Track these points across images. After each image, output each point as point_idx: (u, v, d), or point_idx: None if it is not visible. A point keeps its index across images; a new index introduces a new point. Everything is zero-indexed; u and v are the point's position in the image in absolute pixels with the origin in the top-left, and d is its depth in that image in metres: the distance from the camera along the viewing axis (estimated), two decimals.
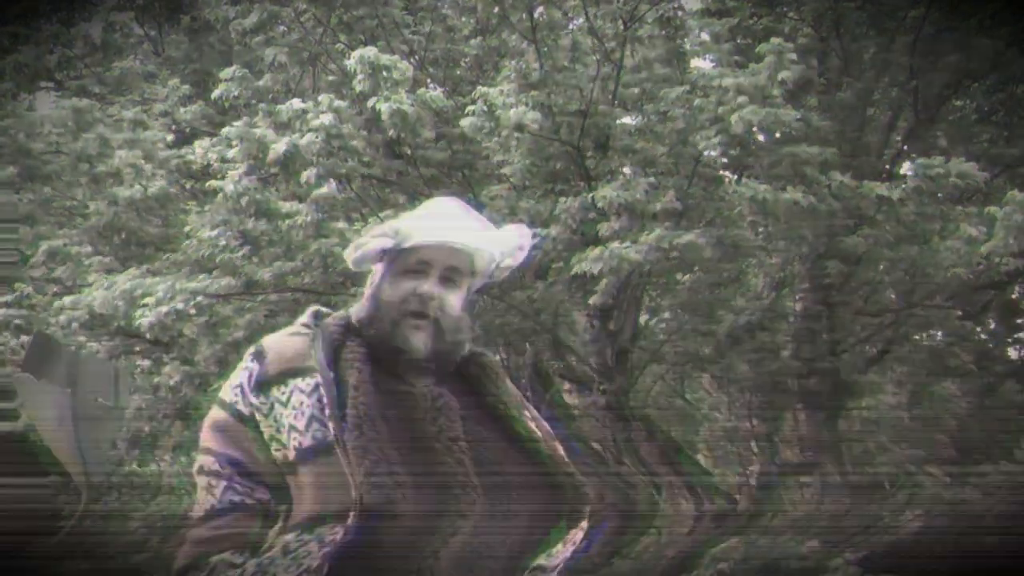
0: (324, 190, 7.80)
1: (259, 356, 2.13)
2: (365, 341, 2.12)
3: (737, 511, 10.32)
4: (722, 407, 12.03)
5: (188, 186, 9.98)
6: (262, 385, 2.10)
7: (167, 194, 8.76)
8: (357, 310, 2.19)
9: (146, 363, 9.95)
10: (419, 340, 2.10)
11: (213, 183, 8.18)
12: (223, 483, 2.07)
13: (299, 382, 2.08)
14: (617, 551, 10.16)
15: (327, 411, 2.03)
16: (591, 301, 7.69)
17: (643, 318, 11.18)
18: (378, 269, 2.21)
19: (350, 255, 2.20)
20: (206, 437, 2.13)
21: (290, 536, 2.00)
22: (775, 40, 7.39)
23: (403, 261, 2.16)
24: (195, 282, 7.76)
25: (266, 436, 2.08)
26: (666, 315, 11.26)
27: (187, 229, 8.63)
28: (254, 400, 2.10)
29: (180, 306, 7.60)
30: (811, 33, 9.67)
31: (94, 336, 9.28)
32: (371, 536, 1.95)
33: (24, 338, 8.37)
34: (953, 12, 9.30)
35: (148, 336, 8.07)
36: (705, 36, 9.52)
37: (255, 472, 2.09)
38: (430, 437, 2.03)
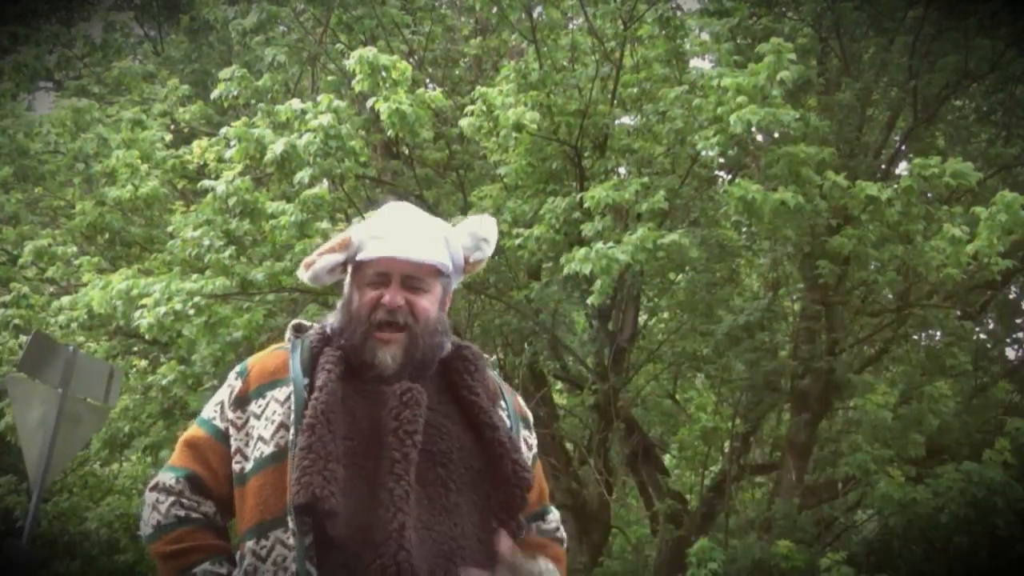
0: (315, 190, 7.80)
1: (242, 374, 2.20)
2: (340, 348, 2.16)
3: (688, 510, 10.33)
4: (708, 407, 12.04)
5: (180, 186, 10.00)
6: (241, 401, 2.16)
7: (156, 194, 8.75)
8: (333, 320, 2.24)
9: (143, 363, 9.97)
10: (387, 355, 2.13)
11: (205, 183, 8.18)
12: (171, 499, 2.12)
13: (275, 392, 2.13)
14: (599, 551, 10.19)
15: (292, 416, 2.06)
16: (589, 301, 7.67)
17: (642, 318, 11.20)
18: (347, 279, 2.25)
19: (303, 273, 2.26)
20: (175, 454, 2.21)
21: (251, 543, 2.03)
22: (774, 40, 7.35)
23: (362, 273, 2.20)
24: (191, 282, 7.76)
25: (233, 449, 2.13)
26: (665, 315, 11.27)
27: (170, 229, 8.64)
28: (231, 415, 2.16)
29: (178, 306, 7.60)
30: (810, 33, 9.66)
31: (93, 336, 9.30)
32: (324, 533, 1.97)
33: (23, 338, 8.37)
34: (952, 12, 9.28)
35: (147, 336, 8.06)
36: (704, 36, 9.52)
37: (208, 488, 2.13)
38: (388, 431, 2.04)
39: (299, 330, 2.25)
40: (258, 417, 2.11)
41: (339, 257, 2.20)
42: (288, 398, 2.09)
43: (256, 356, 2.26)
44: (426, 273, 2.18)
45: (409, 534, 1.94)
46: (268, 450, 2.06)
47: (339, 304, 2.24)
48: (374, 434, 2.05)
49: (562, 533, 2.35)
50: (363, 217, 8.28)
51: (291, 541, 1.97)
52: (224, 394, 2.19)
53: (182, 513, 2.10)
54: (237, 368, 2.23)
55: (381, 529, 1.94)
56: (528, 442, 2.29)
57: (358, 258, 2.19)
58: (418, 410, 2.06)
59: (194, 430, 2.20)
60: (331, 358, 2.12)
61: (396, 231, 2.18)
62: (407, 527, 1.94)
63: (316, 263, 2.21)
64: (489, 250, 2.30)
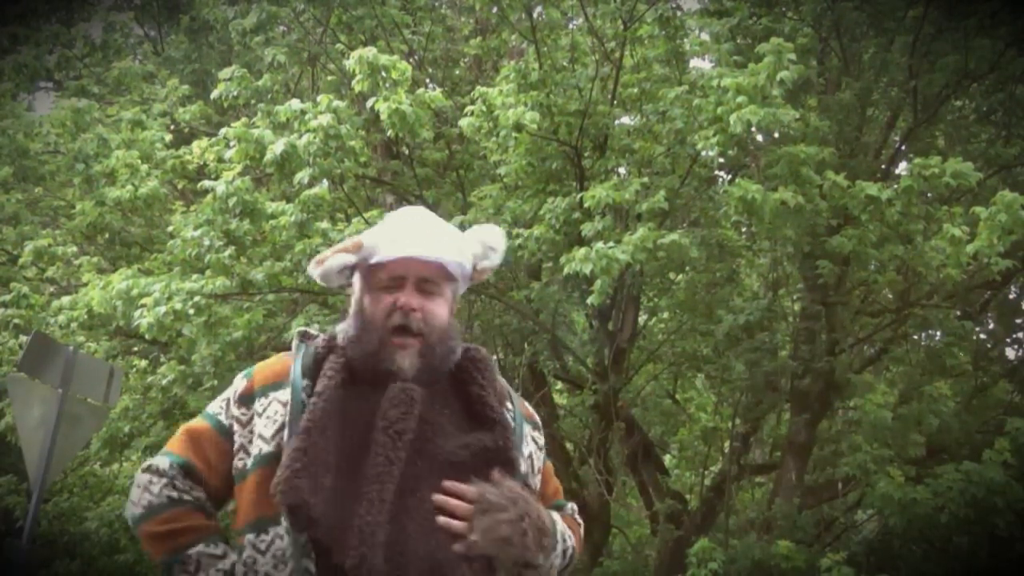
0: (315, 190, 7.81)
1: (248, 375, 2.24)
2: (347, 355, 2.16)
3: (688, 510, 10.33)
4: (708, 407, 12.04)
5: (180, 186, 10.00)
6: (246, 398, 2.19)
7: (156, 194, 8.76)
8: (344, 328, 2.24)
9: (144, 363, 9.98)
10: (405, 360, 2.14)
11: (205, 183, 8.19)
12: (163, 480, 2.14)
13: (279, 393, 2.15)
14: (599, 551, 10.19)
15: (288, 416, 2.09)
16: (589, 301, 7.67)
17: (642, 318, 11.20)
18: (356, 285, 2.25)
19: (313, 270, 2.26)
20: (174, 441, 2.23)
21: (251, 536, 2.05)
22: (774, 40, 7.34)
23: (375, 277, 2.20)
24: (191, 282, 7.76)
25: (236, 446, 2.16)
26: (665, 315, 11.27)
27: (170, 229, 8.65)
28: (236, 411, 2.19)
29: (178, 306, 7.60)
30: (810, 33, 9.65)
31: (93, 336, 9.30)
32: (310, 533, 1.98)
33: (23, 338, 8.37)
34: (952, 12, 9.28)
35: (147, 336, 8.06)
36: (704, 36, 9.52)
37: (201, 478, 2.15)
38: (377, 431, 2.04)
39: (305, 337, 2.28)
40: (260, 415, 2.14)
41: (351, 258, 2.21)
42: (288, 400, 2.13)
43: (263, 362, 2.30)
44: (440, 276, 2.20)
45: (379, 536, 1.94)
46: (268, 448, 2.09)
47: (350, 311, 2.24)
48: (366, 437, 2.06)
49: (578, 517, 2.41)
50: (363, 217, 8.28)
51: (287, 539, 1.99)
52: (230, 392, 2.23)
53: (174, 495, 2.11)
54: (244, 372, 2.28)
55: (354, 530, 1.95)
56: (537, 442, 2.32)
57: (372, 261, 2.19)
58: (408, 409, 2.06)
59: (197, 421, 2.24)
60: (334, 364, 2.13)
61: (412, 232, 2.20)
62: (378, 530, 1.94)
63: (327, 261, 2.22)
64: (497, 259, 2.32)
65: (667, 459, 12.44)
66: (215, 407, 2.23)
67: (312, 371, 2.15)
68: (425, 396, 2.11)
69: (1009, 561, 9.14)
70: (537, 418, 2.40)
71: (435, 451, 2.08)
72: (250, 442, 2.13)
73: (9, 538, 8.12)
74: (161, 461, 2.17)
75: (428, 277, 2.18)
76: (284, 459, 1.99)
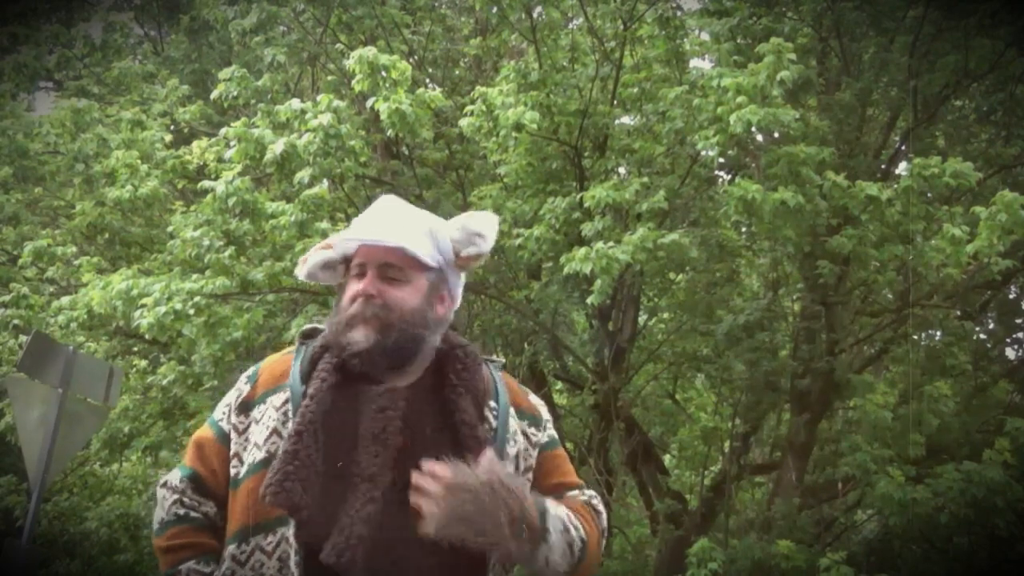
0: (315, 190, 7.81)
1: (251, 379, 2.23)
2: (334, 351, 2.16)
3: (688, 510, 10.32)
4: (708, 407, 12.03)
5: (180, 186, 10.01)
6: (246, 406, 2.19)
7: (156, 194, 8.77)
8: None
9: (143, 363, 9.98)
10: (359, 333, 2.10)
11: (205, 183, 8.19)
12: (174, 496, 2.18)
13: (274, 398, 2.15)
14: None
15: (288, 424, 2.08)
16: (589, 301, 7.68)
17: (642, 318, 11.20)
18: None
19: (299, 270, 2.28)
20: (186, 453, 2.26)
21: (232, 547, 2.07)
22: (774, 40, 7.35)
23: (350, 269, 2.21)
24: (191, 282, 7.76)
25: (231, 453, 2.16)
26: (665, 315, 11.27)
27: (170, 229, 8.66)
28: (235, 419, 2.19)
29: (178, 306, 7.61)
30: (810, 33, 9.66)
31: (93, 336, 9.30)
32: (300, 536, 1.99)
33: (23, 338, 8.37)
34: (952, 12, 9.27)
35: (147, 336, 8.07)
36: (704, 36, 9.52)
37: (209, 488, 2.18)
38: (367, 438, 2.04)
39: (310, 335, 2.26)
40: (257, 423, 2.14)
41: (330, 253, 2.21)
42: (283, 404, 2.12)
43: (268, 359, 2.28)
44: (404, 263, 2.14)
45: (360, 529, 1.94)
46: (259, 456, 2.08)
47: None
48: (355, 439, 2.05)
49: (597, 503, 2.28)
50: None
51: (269, 547, 2.00)
52: (232, 397, 2.22)
53: (182, 512, 2.15)
54: (249, 371, 2.25)
55: (340, 532, 1.94)
56: (530, 438, 2.24)
57: (341, 253, 2.21)
58: (395, 414, 2.05)
59: (203, 429, 2.24)
60: (326, 365, 2.12)
61: (372, 220, 2.19)
62: (359, 525, 1.94)
63: (311, 258, 2.23)
64: (485, 245, 2.22)
65: (667, 459, 12.43)
66: (219, 412, 2.23)
67: (308, 373, 2.13)
68: (408, 403, 2.08)
69: (1009, 561, 9.14)
70: (540, 411, 2.31)
71: (410, 453, 2.02)
72: (244, 449, 2.13)
73: (9, 538, 8.11)
74: (174, 476, 2.21)
75: (390, 263, 2.13)
76: (275, 463, 1.99)
